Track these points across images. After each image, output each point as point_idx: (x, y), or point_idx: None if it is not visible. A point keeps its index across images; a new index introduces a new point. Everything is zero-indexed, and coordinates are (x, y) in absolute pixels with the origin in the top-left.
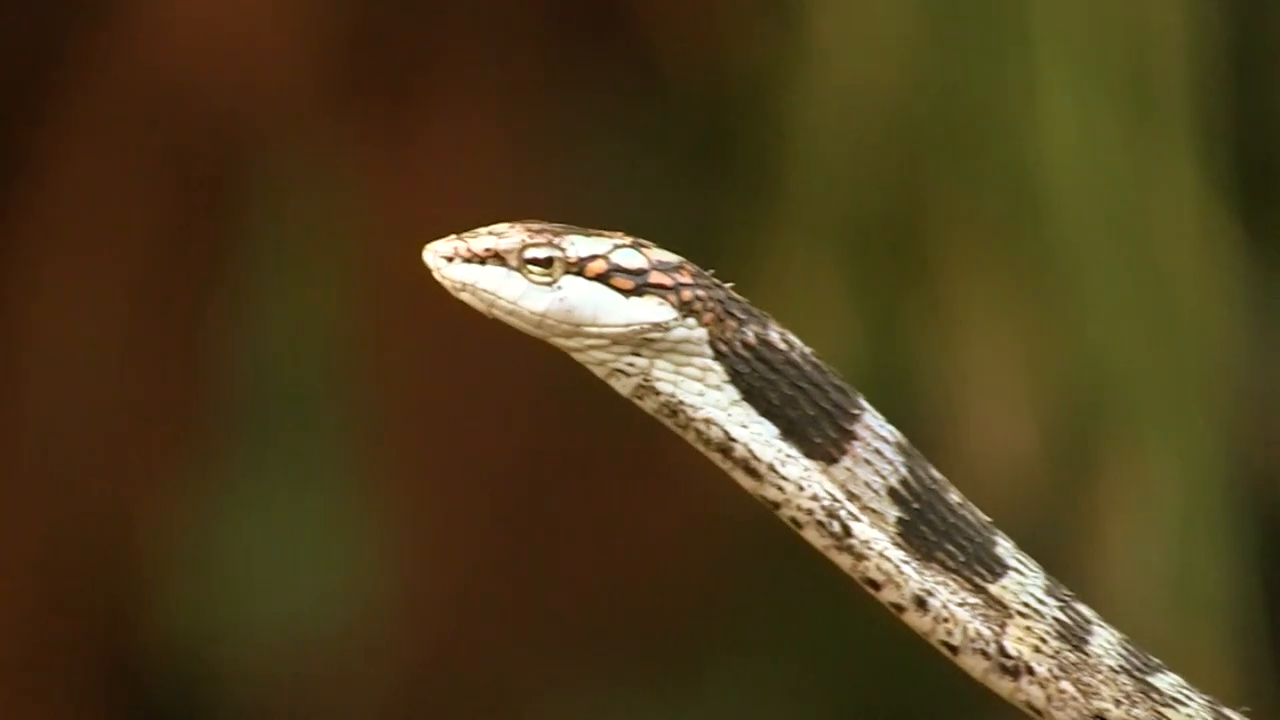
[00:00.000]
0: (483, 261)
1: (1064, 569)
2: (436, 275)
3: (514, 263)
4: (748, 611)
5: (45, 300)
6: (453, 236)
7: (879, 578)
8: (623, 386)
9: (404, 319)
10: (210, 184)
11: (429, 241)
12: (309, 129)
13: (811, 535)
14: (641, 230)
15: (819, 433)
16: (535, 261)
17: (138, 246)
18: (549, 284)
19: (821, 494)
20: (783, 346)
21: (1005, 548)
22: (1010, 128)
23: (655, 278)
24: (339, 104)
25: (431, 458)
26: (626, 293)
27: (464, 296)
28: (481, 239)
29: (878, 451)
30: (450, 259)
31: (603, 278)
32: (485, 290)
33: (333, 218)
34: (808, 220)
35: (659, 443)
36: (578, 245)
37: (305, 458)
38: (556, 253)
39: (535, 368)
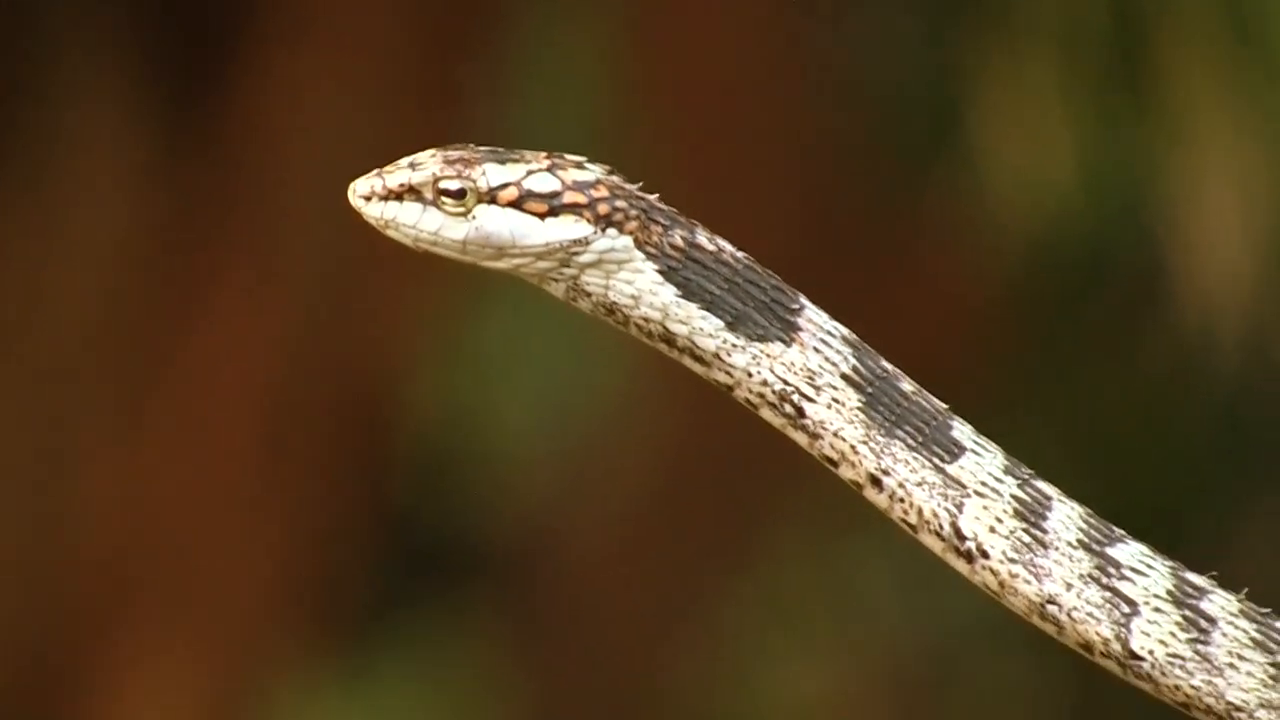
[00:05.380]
0: (399, 198)
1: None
2: (360, 213)
3: (429, 196)
4: (1005, 388)
5: (301, 92)
6: (373, 172)
7: (834, 455)
8: (555, 290)
9: (672, 99)
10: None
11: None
12: None
13: (767, 415)
14: (867, 41)
15: (763, 323)
16: (448, 193)
17: (394, 50)
18: (464, 214)
19: (771, 378)
20: (712, 248)
21: (962, 431)
22: None
23: (569, 197)
24: None
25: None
26: (541, 215)
27: (389, 232)
28: (396, 174)
29: (824, 342)
30: (368, 198)
31: (516, 204)
32: (405, 225)
33: (593, 37)
34: (1037, 28)
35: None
36: (489, 174)
37: None
38: (468, 184)
39: (796, 168)
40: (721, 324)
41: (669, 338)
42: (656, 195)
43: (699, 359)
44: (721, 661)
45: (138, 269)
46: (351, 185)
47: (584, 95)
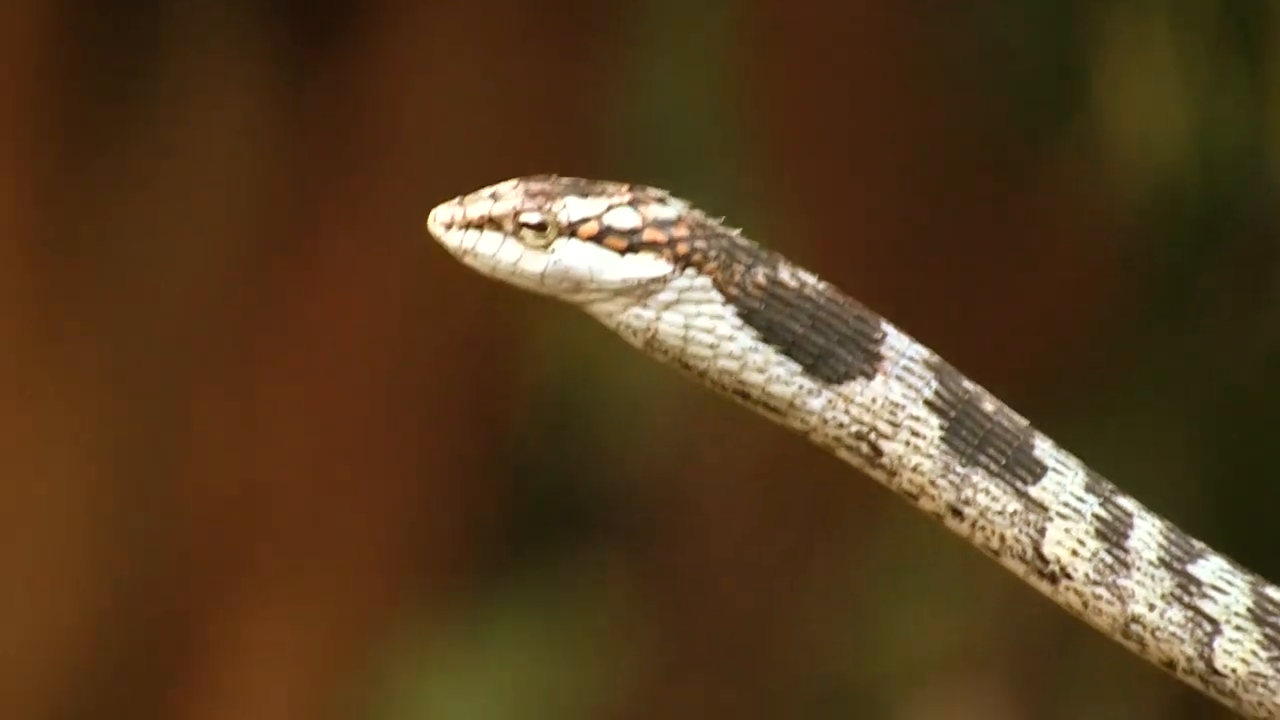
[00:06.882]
0: (480, 228)
1: None
2: (439, 240)
3: (509, 228)
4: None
5: (427, 47)
6: (454, 200)
7: (913, 490)
8: (634, 340)
9: (794, 69)
10: None
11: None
12: None
13: (845, 456)
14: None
15: (845, 358)
16: (529, 226)
17: (522, 7)
18: (544, 247)
19: (846, 420)
20: (794, 284)
21: (1044, 448)
22: None
23: (649, 235)
24: None
25: (825, 202)
26: (621, 251)
27: (467, 260)
28: (478, 205)
29: (907, 369)
30: (449, 226)
31: (596, 239)
32: (484, 255)
33: (719, 9)
34: None
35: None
36: (570, 208)
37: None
38: (549, 217)
39: (920, 135)
40: (799, 368)
41: (744, 390)
42: (739, 230)
43: (775, 409)
44: (848, 612)
45: (257, 220)
46: (432, 213)
47: (708, 66)
